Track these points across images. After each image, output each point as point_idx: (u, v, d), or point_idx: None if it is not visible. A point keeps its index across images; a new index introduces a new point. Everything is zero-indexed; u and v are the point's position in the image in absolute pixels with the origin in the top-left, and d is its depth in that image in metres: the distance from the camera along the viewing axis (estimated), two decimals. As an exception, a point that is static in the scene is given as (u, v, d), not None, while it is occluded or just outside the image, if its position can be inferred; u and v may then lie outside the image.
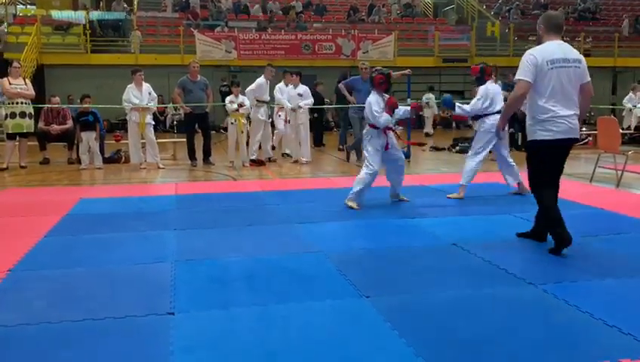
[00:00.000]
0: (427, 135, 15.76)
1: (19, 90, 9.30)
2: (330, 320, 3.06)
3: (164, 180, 8.33)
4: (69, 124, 10.24)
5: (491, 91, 6.51)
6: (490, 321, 3.03)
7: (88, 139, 9.42)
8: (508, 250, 4.32)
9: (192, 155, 9.83)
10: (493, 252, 4.25)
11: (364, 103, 9.68)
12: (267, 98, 9.95)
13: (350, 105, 10.04)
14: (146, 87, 9.42)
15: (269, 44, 18.26)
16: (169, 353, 2.66)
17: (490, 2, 24.22)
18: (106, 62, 17.52)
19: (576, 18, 23.16)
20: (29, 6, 21.93)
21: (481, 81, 6.69)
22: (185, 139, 10.00)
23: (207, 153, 9.90)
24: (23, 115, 9.31)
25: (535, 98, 4.16)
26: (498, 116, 5.84)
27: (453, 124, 18.84)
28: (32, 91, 9.57)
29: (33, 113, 9.61)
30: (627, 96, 14.52)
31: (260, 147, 10.02)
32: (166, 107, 16.66)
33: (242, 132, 9.58)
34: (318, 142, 12.90)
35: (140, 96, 9.29)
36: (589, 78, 4.25)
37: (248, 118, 9.99)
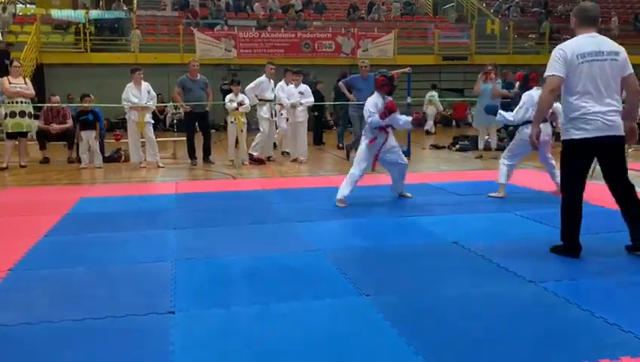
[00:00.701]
0: (428, 133, 15.76)
1: (18, 89, 9.29)
2: (330, 318, 3.06)
3: (164, 179, 8.33)
4: (69, 123, 10.24)
5: (536, 98, 6.10)
6: (490, 319, 3.03)
7: (88, 138, 9.41)
8: (508, 248, 4.32)
9: (191, 154, 9.83)
10: (494, 250, 4.25)
11: (364, 101, 9.73)
12: (270, 96, 9.92)
13: (350, 104, 10.03)
14: (145, 86, 9.41)
15: (268, 43, 18.24)
16: (169, 352, 2.67)
17: (490, 0, 24.20)
18: (106, 62, 17.50)
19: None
20: (28, 5, 21.92)
21: (525, 87, 6.47)
22: (185, 138, 10.00)
23: (207, 152, 9.90)
24: (22, 114, 9.30)
25: (566, 96, 3.95)
26: (541, 125, 5.63)
27: (454, 123, 18.84)
28: (31, 90, 9.56)
29: (33, 112, 9.60)
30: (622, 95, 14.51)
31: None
32: (166, 106, 16.63)
33: (242, 131, 9.57)
34: (317, 140, 12.90)
35: (139, 95, 9.29)
36: (631, 70, 3.96)
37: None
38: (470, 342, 2.76)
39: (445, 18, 23.14)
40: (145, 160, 9.49)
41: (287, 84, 10.25)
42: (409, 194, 6.45)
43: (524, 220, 5.31)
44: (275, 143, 10.87)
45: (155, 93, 9.76)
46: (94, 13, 19.39)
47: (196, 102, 9.61)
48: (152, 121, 9.67)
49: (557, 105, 8.39)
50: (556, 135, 6.86)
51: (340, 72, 13.67)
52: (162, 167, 9.40)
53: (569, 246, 4.05)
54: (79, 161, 9.60)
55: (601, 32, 4.13)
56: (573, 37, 4.04)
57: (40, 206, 6.17)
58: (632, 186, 4.02)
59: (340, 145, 11.73)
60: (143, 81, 9.37)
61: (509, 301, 3.30)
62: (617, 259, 3.99)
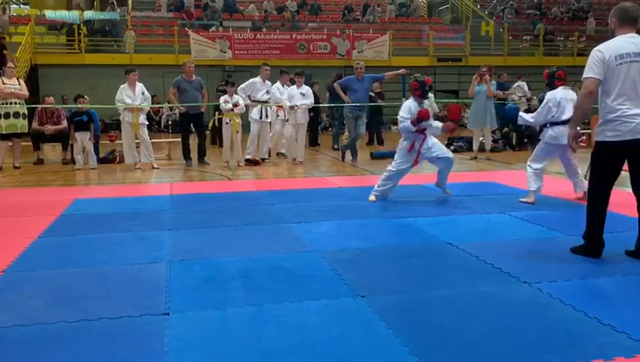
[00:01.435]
0: None
1: (13, 90, 9.26)
2: (325, 319, 3.06)
3: (158, 180, 8.31)
4: (64, 124, 10.20)
5: (559, 97, 5.90)
6: (484, 320, 3.04)
7: (82, 139, 9.39)
8: (502, 249, 4.33)
9: (186, 155, 9.82)
10: (488, 251, 4.26)
11: (359, 102, 9.76)
12: (263, 98, 9.91)
13: (345, 105, 10.04)
14: (140, 87, 9.39)
15: (263, 44, 18.24)
16: (164, 353, 2.66)
17: (485, 2, 24.27)
18: (101, 62, 17.46)
19: (570, 17, 23.25)
20: (22, 6, 21.84)
21: (551, 86, 6.11)
22: (180, 139, 9.99)
23: (201, 153, 9.89)
24: (17, 115, 9.27)
25: (603, 97, 3.90)
26: (564, 127, 5.51)
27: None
28: (26, 91, 9.53)
29: (27, 113, 9.57)
30: None
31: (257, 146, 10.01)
32: (161, 107, 16.62)
33: (237, 132, 9.57)
34: (313, 142, 12.91)
35: (133, 95, 9.27)
36: None
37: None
38: (465, 343, 2.76)
39: (440, 20, 23.22)
40: (139, 161, 9.48)
41: (283, 85, 10.25)
42: (449, 191, 6.54)
43: (518, 221, 5.32)
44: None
45: (149, 95, 9.75)
46: (89, 14, 19.33)
47: (191, 103, 9.60)
48: (147, 122, 9.66)
49: None
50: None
51: (335, 73, 13.68)
52: (157, 168, 9.38)
53: (591, 245, 4.05)
54: (73, 162, 9.57)
55: (604, 33, 4.10)
56: (612, 37, 3.97)
57: (34, 207, 6.15)
58: None
59: (335, 146, 11.74)
60: (137, 82, 9.35)
61: (503, 301, 3.31)
62: (611, 260, 3.99)
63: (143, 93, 9.42)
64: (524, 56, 20.20)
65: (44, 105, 10.41)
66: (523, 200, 6.13)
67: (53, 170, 9.37)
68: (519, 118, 6.33)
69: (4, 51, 13.97)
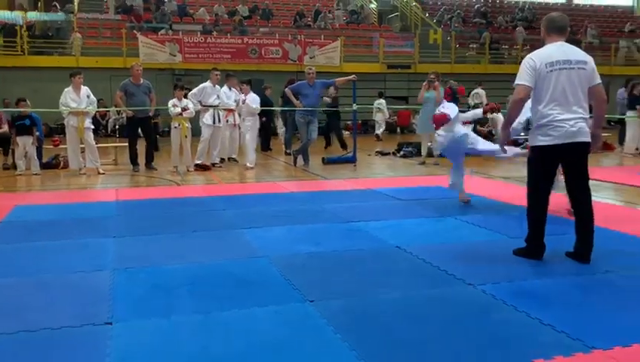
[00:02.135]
0: (378, 138, 15.99)
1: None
2: (273, 325, 3.04)
3: (104, 186, 8.10)
4: (4, 128, 9.83)
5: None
6: (431, 322, 3.09)
7: (25, 143, 9.07)
8: (449, 252, 4.41)
9: (134, 160, 9.61)
10: (436, 254, 4.33)
11: (310, 107, 9.78)
12: (215, 102, 9.83)
13: (297, 110, 10.04)
14: (85, 90, 9.14)
15: (214, 48, 18.08)
16: (106, 364, 2.58)
17: (433, 10, 24.80)
18: (45, 65, 16.91)
19: (515, 26, 24.01)
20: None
21: None
22: (127, 144, 9.77)
23: (149, 158, 9.70)
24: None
25: (535, 103, 4.02)
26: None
27: (398, 129, 19.15)
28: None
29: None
30: None
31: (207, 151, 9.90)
32: (108, 111, 16.22)
33: (186, 136, 9.44)
34: (265, 147, 12.86)
35: (78, 99, 9.02)
36: (599, 80, 4.04)
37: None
38: (411, 345, 2.79)
39: (390, 27, 23.56)
40: (84, 166, 9.21)
41: (230, 89, 10.17)
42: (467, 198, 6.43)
43: (465, 225, 5.44)
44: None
45: (95, 98, 9.50)
46: (32, 15, 18.70)
47: (139, 107, 9.41)
48: (92, 127, 9.42)
49: (498, 116, 8.57)
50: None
51: (288, 77, 13.68)
52: (103, 174, 9.14)
53: (533, 248, 4.17)
54: (15, 167, 9.22)
55: (573, 42, 4.22)
56: (542, 46, 4.12)
57: (-30, 214, 5.88)
58: (590, 195, 4.14)
59: (288, 151, 11.72)
60: (82, 86, 9.11)
61: (448, 303, 3.37)
62: (552, 262, 4.12)
63: (88, 97, 9.18)
64: (471, 63, 20.72)
65: (-17, 109, 10.01)
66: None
67: (-7, 175, 9.00)
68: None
69: None
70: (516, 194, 6.50)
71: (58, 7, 19.48)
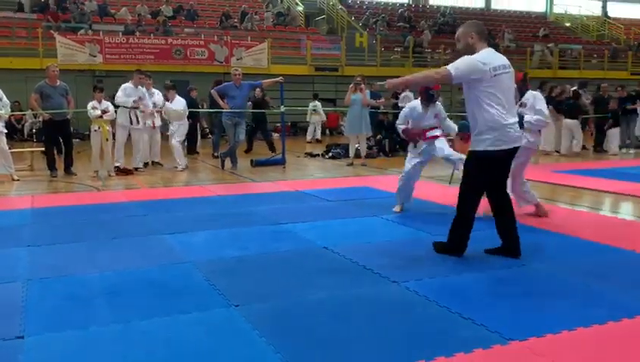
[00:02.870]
0: (318, 141, 15.99)
1: None
2: (196, 332, 2.96)
3: (18, 193, 7.67)
4: None
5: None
6: (356, 320, 3.11)
7: None
8: (374, 251, 4.47)
9: (51, 165, 9.16)
10: (361, 253, 4.38)
11: (237, 109, 9.68)
12: (127, 103, 9.55)
13: (224, 111, 9.91)
14: (-3, 92, 8.64)
15: (137, 49, 17.54)
16: (15, 381, 2.43)
17: (359, 14, 25.18)
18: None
19: (437, 31, 24.76)
20: None
21: (526, 88, 5.77)
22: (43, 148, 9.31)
23: (68, 163, 9.28)
24: None
25: (484, 106, 3.94)
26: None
27: (327, 131, 19.28)
28: None
29: None
30: None
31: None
32: (24, 114, 15.43)
33: (107, 139, 9.10)
34: (192, 150, 12.60)
35: (-11, 102, 8.51)
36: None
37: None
38: (337, 345, 2.80)
39: (317, 30, 23.70)
40: (-4, 172, 8.69)
41: (137, 87, 9.84)
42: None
43: (389, 223, 5.54)
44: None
45: (8, 100, 8.98)
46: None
47: (56, 109, 8.99)
48: (5, 131, 8.89)
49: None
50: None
51: (214, 79, 13.48)
52: (17, 180, 8.65)
53: (457, 246, 4.25)
54: None
55: (493, 46, 4.25)
56: (468, 52, 4.04)
57: None
58: (508, 195, 4.32)
59: (215, 153, 11.54)
60: (-6, 88, 8.60)
61: (373, 301, 3.41)
62: (472, 258, 4.25)
63: (1, 99, 8.67)
64: (396, 66, 21.15)
65: None
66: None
67: None
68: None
69: None
70: (436, 192, 6.69)
71: None
